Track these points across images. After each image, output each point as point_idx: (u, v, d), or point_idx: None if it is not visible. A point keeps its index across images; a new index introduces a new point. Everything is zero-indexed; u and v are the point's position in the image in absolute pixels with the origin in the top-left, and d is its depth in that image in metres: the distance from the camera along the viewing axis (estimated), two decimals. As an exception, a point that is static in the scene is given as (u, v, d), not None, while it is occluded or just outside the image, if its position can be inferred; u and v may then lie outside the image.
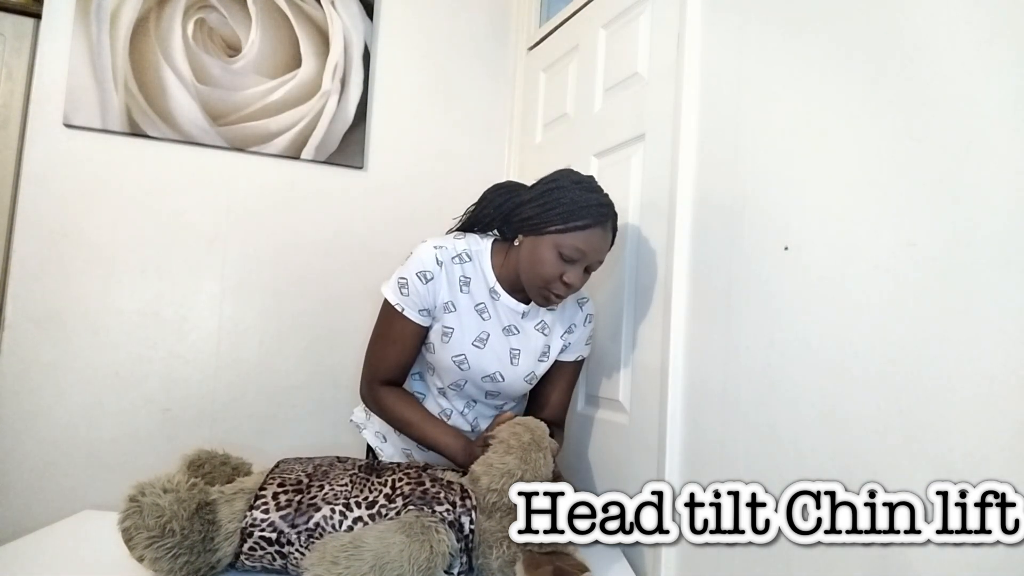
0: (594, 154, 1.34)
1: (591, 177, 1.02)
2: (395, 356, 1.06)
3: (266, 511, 0.79)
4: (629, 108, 1.23)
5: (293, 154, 1.64)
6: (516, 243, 1.04)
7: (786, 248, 0.82)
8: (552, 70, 1.61)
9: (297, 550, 0.78)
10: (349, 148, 1.68)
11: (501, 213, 1.08)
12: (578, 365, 1.17)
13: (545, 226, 0.96)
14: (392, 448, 1.18)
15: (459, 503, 0.82)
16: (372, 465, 0.93)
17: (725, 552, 0.89)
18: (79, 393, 1.47)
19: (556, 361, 1.13)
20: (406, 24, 1.78)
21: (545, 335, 1.10)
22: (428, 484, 0.85)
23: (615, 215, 1.01)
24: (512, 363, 1.07)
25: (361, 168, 1.71)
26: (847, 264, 0.73)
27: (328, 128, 1.66)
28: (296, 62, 1.64)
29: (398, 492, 0.83)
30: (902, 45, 0.69)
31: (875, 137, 0.71)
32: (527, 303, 1.07)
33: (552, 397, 1.15)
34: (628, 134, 1.22)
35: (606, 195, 1.00)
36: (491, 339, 1.05)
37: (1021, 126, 0.57)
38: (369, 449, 1.23)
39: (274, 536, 0.78)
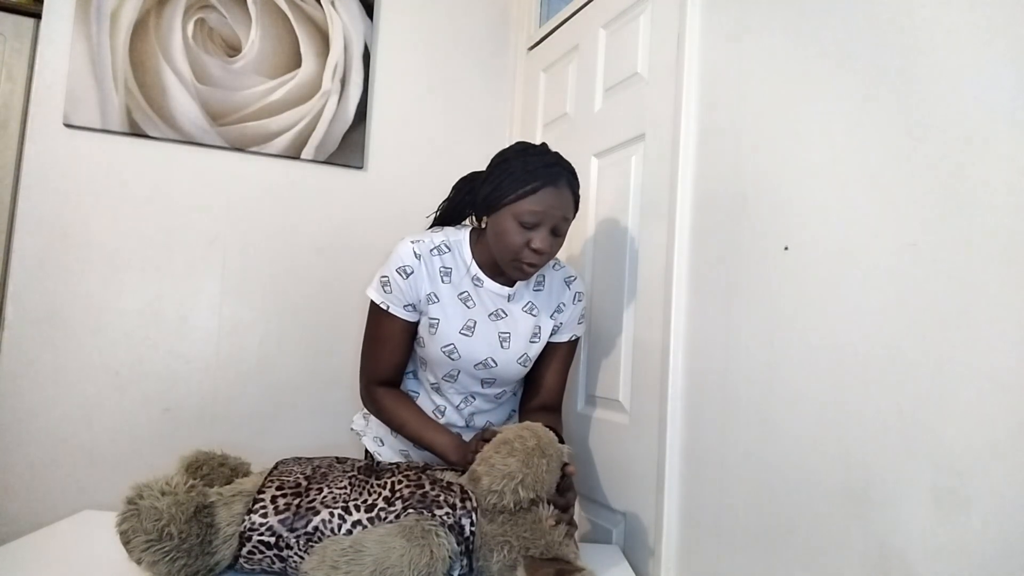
0: (594, 154, 1.33)
1: (542, 144, 1.03)
2: (388, 355, 1.07)
3: (264, 515, 0.78)
4: (629, 108, 1.23)
5: (293, 154, 1.64)
6: (483, 225, 1.06)
7: (786, 248, 0.82)
8: (552, 70, 1.60)
9: (296, 554, 0.77)
10: (349, 148, 1.68)
11: (467, 201, 1.10)
12: (572, 345, 1.16)
13: (500, 200, 0.98)
14: (390, 451, 1.19)
15: (459, 505, 0.82)
16: (371, 467, 0.93)
17: (725, 552, 0.89)
18: (79, 393, 1.47)
19: (550, 343, 1.13)
20: (406, 24, 1.77)
21: (534, 316, 1.10)
22: (428, 487, 0.84)
23: (569, 173, 1.00)
24: (503, 347, 1.07)
25: (361, 168, 1.71)
26: (847, 264, 0.73)
27: (328, 128, 1.66)
28: (296, 62, 1.64)
29: (397, 495, 0.83)
30: (902, 44, 0.68)
31: (875, 137, 0.71)
32: (511, 285, 1.08)
33: (548, 380, 1.14)
34: (628, 134, 1.22)
35: (555, 155, 1.01)
36: (478, 326, 1.06)
37: (1021, 125, 0.57)
38: (368, 454, 1.23)
39: (273, 540, 0.77)
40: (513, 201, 0.96)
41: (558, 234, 1.00)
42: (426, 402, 1.14)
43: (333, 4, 1.68)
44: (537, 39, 1.70)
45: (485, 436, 0.94)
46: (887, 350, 0.67)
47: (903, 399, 0.65)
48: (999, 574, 0.56)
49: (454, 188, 1.14)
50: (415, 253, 1.02)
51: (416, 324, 1.07)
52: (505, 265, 1.00)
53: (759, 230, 0.87)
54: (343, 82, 1.68)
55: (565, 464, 0.90)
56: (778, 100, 0.86)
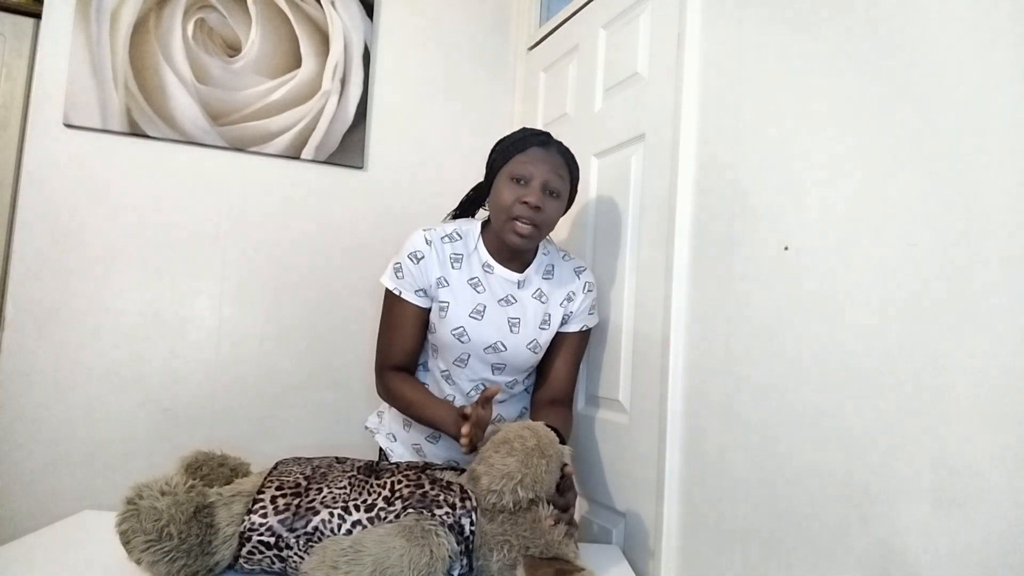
0: (594, 154, 1.33)
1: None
2: (400, 341, 1.10)
3: (264, 515, 0.79)
4: (629, 108, 1.23)
5: (293, 154, 1.64)
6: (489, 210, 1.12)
7: (786, 248, 0.82)
8: (552, 70, 1.60)
9: (296, 554, 0.77)
10: (349, 148, 1.68)
11: (479, 195, 1.18)
12: (584, 336, 1.18)
13: (496, 170, 1.07)
14: (402, 447, 1.20)
15: (459, 505, 0.82)
16: (371, 466, 0.93)
17: (725, 552, 0.89)
18: (79, 393, 1.47)
19: (561, 332, 1.15)
20: (406, 24, 1.78)
21: (543, 303, 1.12)
22: (427, 486, 0.85)
23: (559, 143, 1.08)
24: (512, 331, 1.09)
25: (361, 168, 1.71)
26: (847, 264, 0.73)
27: (328, 128, 1.66)
28: (296, 62, 1.64)
29: (397, 495, 0.83)
30: (902, 45, 0.68)
31: (875, 137, 0.71)
32: (521, 272, 1.11)
33: (558, 370, 1.16)
34: (628, 134, 1.22)
35: (545, 132, 1.09)
36: (488, 310, 1.08)
37: (1021, 125, 0.57)
38: (381, 452, 1.24)
39: (272, 540, 0.77)
40: (505, 163, 1.05)
41: (553, 194, 1.04)
42: (435, 393, 1.16)
43: (333, 4, 1.68)
44: (537, 39, 1.70)
45: (465, 411, 0.93)
46: (887, 350, 0.67)
47: (903, 399, 0.65)
48: (999, 574, 0.56)
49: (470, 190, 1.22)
50: (426, 239, 1.07)
51: (428, 311, 1.10)
52: (502, 229, 1.04)
53: (759, 230, 0.87)
54: (343, 82, 1.68)
55: (564, 464, 0.90)
56: (778, 100, 0.86)
